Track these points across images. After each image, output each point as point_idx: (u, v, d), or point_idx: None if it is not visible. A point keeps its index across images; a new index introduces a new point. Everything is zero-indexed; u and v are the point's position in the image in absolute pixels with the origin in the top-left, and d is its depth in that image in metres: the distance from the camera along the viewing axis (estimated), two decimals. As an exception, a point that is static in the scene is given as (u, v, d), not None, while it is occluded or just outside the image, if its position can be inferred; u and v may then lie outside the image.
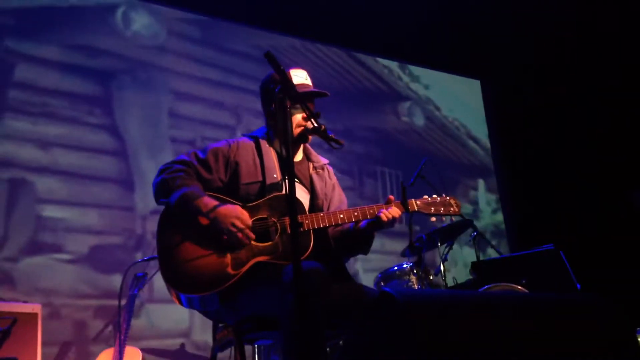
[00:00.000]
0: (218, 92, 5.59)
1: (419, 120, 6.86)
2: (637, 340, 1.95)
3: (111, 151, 4.92)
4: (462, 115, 7.22)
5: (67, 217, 4.57)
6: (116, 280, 4.54)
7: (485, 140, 7.33)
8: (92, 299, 4.47)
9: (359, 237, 2.50)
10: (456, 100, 7.22)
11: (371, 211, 2.40)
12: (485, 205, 6.99)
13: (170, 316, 4.69)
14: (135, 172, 4.97)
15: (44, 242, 4.43)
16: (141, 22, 5.35)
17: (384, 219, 2.36)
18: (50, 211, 4.52)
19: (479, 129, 7.34)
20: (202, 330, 4.76)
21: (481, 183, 7.08)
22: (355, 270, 5.53)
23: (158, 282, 4.51)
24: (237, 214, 2.28)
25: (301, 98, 2.21)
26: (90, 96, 4.95)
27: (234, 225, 2.25)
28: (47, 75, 4.79)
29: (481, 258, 4.74)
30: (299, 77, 2.54)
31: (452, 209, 2.53)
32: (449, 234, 4.48)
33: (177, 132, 5.28)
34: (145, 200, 4.90)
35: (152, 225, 4.78)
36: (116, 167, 4.91)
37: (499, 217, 7.03)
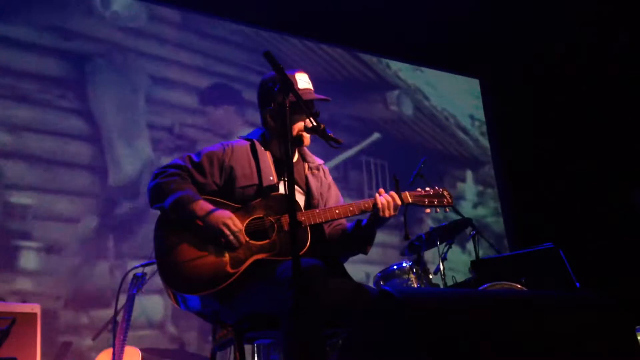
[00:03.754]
0: (197, 78, 5.47)
1: (408, 110, 6.76)
2: (637, 339, 1.95)
3: (84, 137, 4.80)
4: (460, 113, 7.19)
5: (36, 203, 4.46)
6: (86, 267, 4.49)
7: (474, 132, 7.25)
8: (61, 287, 4.40)
9: (360, 236, 2.50)
10: (453, 97, 7.18)
11: (366, 205, 2.41)
12: (474, 196, 6.92)
13: (144, 307, 4.61)
14: (109, 158, 4.85)
15: (11, 229, 4.34)
16: (121, 2, 5.25)
17: (379, 204, 2.36)
18: (18, 197, 4.42)
19: (478, 126, 7.32)
20: (174, 322, 4.70)
21: (469, 174, 7.00)
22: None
23: (133, 273, 4.50)
24: (229, 217, 2.29)
25: (305, 103, 2.22)
26: (63, 79, 4.82)
27: (226, 225, 2.26)
28: (18, 57, 4.67)
29: (480, 257, 4.74)
30: (303, 81, 2.54)
31: (445, 200, 2.55)
32: (448, 233, 4.48)
33: (155, 118, 5.15)
34: (119, 187, 4.81)
35: (126, 214, 4.76)
36: (89, 153, 4.79)
37: (484, 211, 6.99)
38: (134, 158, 4.96)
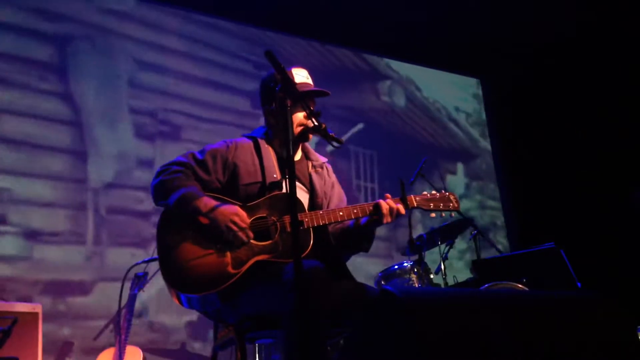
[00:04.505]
0: (183, 63, 5.39)
1: (400, 101, 6.67)
2: (638, 339, 1.95)
3: (64, 120, 4.72)
4: (452, 105, 7.11)
5: (13, 187, 4.40)
6: (64, 254, 4.45)
7: (466, 124, 7.16)
8: (38, 273, 4.32)
9: (359, 234, 2.50)
10: (445, 89, 7.11)
11: (370, 208, 2.40)
12: (463, 189, 6.84)
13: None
14: (89, 142, 4.79)
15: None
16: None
17: (384, 210, 2.36)
18: (-5, 181, 4.34)
19: (464, 117, 7.27)
20: (156, 311, 4.67)
21: (460, 167, 6.92)
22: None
23: (110, 257, 4.51)
24: (236, 212, 2.28)
25: (302, 97, 2.21)
26: (43, 61, 4.74)
27: (233, 222, 2.26)
28: (-4, 37, 4.59)
29: (481, 257, 4.75)
30: (300, 75, 2.55)
31: (451, 204, 2.53)
32: (450, 233, 4.48)
33: (137, 102, 5.08)
34: (99, 172, 4.75)
35: (105, 199, 4.70)
36: (68, 137, 4.71)
37: (469, 204, 6.89)
38: (115, 142, 4.90)
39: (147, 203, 4.82)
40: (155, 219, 4.60)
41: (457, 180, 6.80)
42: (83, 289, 4.47)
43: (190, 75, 5.41)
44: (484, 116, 7.40)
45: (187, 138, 5.23)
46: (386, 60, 6.75)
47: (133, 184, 4.88)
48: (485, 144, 7.30)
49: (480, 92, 7.48)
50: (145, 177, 4.93)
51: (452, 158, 6.89)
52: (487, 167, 7.20)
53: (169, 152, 5.05)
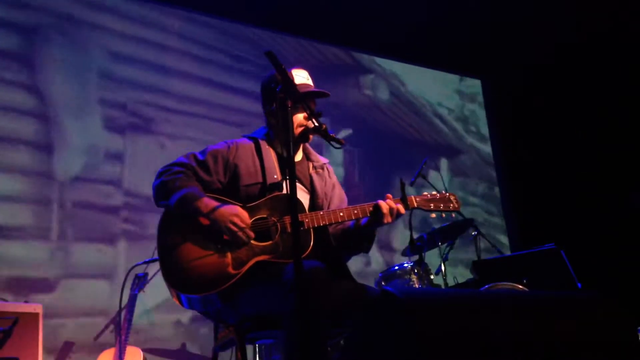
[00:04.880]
0: (154, 55, 5.26)
1: (383, 95, 6.52)
2: (638, 339, 1.95)
3: (29, 111, 4.57)
4: (436, 100, 7.06)
5: None
6: (27, 250, 4.32)
7: (451, 120, 7.08)
8: (2, 269, 4.20)
9: (359, 235, 2.50)
10: (429, 84, 7.04)
11: (371, 209, 2.40)
12: (447, 185, 6.76)
13: (90, 293, 4.45)
14: (55, 135, 4.62)
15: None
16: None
17: (384, 210, 2.36)
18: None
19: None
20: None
21: (444, 163, 6.81)
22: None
23: (76, 253, 4.42)
24: (236, 213, 2.29)
25: (302, 98, 2.21)
26: (8, 51, 4.59)
27: (233, 222, 2.26)
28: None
29: (482, 257, 4.75)
30: (301, 76, 2.56)
31: (451, 205, 2.54)
32: (450, 234, 4.48)
33: (108, 93, 4.95)
34: (66, 165, 4.62)
35: (72, 194, 4.58)
36: (34, 129, 4.56)
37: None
38: (83, 135, 4.78)
39: (116, 197, 4.75)
40: (124, 214, 4.69)
41: (439, 176, 6.75)
42: (47, 286, 4.34)
43: (162, 66, 5.28)
44: (466, 112, 7.31)
45: (158, 131, 5.11)
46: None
47: (101, 177, 4.76)
48: (472, 140, 7.20)
49: (462, 88, 7.39)
50: (115, 170, 4.83)
51: (435, 153, 6.75)
52: (472, 164, 7.09)
53: (139, 145, 4.96)
